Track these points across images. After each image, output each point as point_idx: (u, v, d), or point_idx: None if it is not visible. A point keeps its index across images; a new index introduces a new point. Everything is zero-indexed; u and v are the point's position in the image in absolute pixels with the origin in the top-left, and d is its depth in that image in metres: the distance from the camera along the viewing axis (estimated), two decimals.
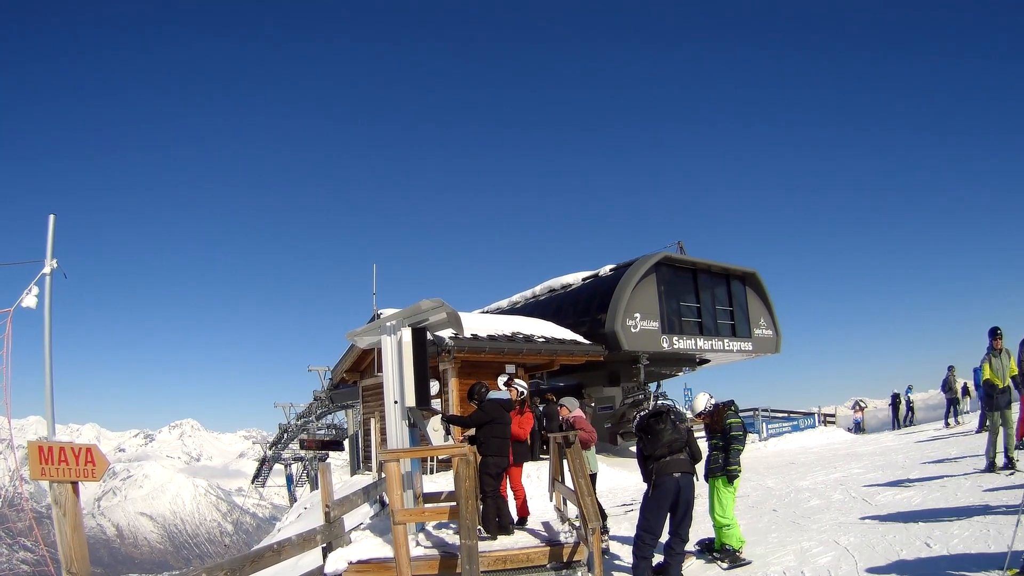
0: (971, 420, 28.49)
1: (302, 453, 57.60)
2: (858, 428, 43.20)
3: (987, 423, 25.15)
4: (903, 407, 41.63)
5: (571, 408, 14.94)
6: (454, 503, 10.32)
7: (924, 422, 38.62)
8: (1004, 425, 15.15)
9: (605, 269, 33.30)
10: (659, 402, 27.99)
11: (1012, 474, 14.48)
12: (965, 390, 30.83)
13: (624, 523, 14.38)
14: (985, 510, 11.51)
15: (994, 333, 15.57)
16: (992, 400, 15.24)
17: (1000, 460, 15.12)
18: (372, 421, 25.60)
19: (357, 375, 29.93)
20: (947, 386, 29.84)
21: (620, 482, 21.14)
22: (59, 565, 7.52)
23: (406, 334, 11.83)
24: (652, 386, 38.76)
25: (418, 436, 12.44)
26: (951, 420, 29.96)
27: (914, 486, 14.99)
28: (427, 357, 12.42)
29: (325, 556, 10.94)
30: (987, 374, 15.35)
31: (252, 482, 68.43)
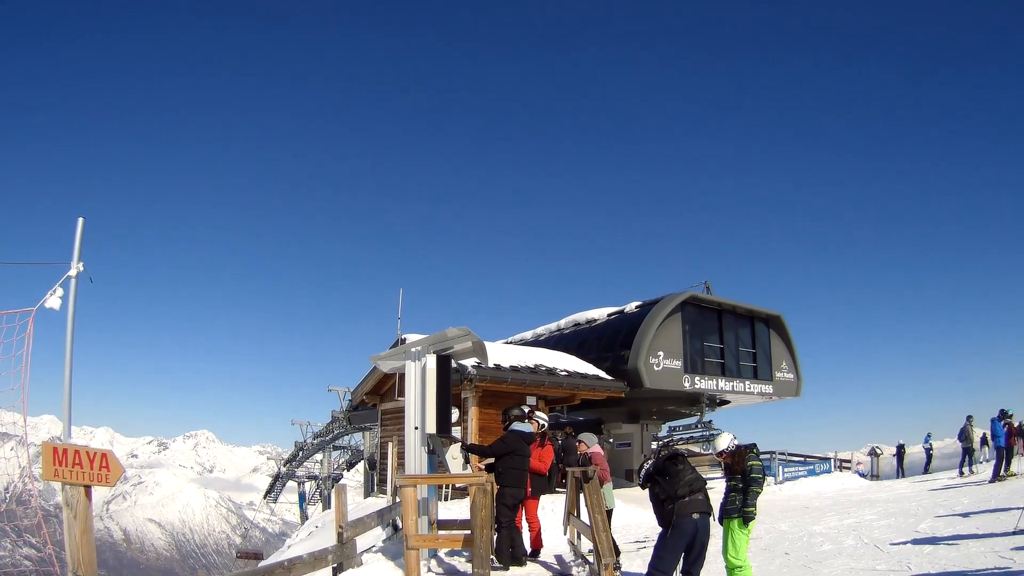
0: (985, 470, 28.32)
1: (316, 471, 57.59)
2: (870, 474, 43.22)
3: (1001, 472, 25.17)
4: (915, 455, 41.57)
5: (589, 444, 14.97)
6: (468, 531, 10.50)
7: (939, 470, 38.38)
8: None
9: (631, 306, 33.21)
10: (673, 446, 27.91)
11: None
12: (984, 440, 30.60)
13: (636, 560, 14.30)
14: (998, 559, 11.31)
15: None
16: None
17: None
18: (390, 445, 25.09)
19: (377, 398, 29.76)
20: (964, 435, 29.61)
21: (635, 519, 21.07)
22: (64, 565, 7.54)
23: (431, 361, 11.89)
24: (693, 418, 39.03)
25: (436, 463, 12.44)
26: (966, 469, 29.69)
27: (925, 533, 14.85)
28: (450, 385, 12.42)
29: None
30: None
31: (264, 497, 68.50)
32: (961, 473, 29.77)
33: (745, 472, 10.52)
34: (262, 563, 13.28)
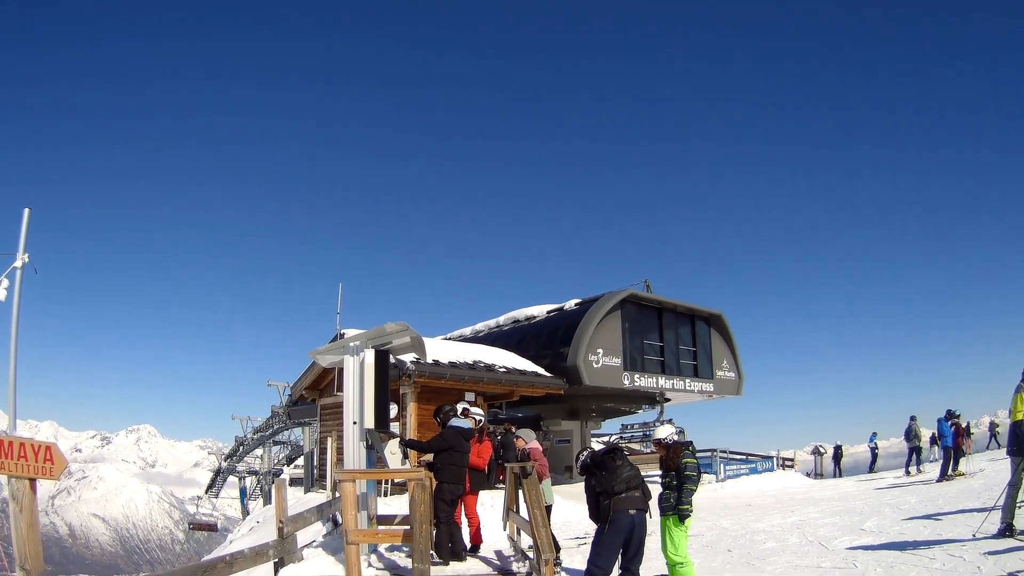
0: (932, 469, 28.60)
1: (257, 467, 57.69)
2: (813, 473, 43.73)
3: (948, 472, 25.31)
4: (860, 455, 42.05)
5: (527, 440, 15.02)
6: (408, 527, 10.38)
7: (885, 469, 38.72)
8: None
9: (570, 303, 33.37)
10: (611, 440, 27.97)
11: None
12: (933, 439, 30.83)
13: (577, 556, 14.28)
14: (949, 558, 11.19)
15: None
16: (1022, 444, 12.03)
17: (1020, 522, 12.02)
18: (329, 440, 25.17)
19: (316, 393, 29.75)
20: (910, 435, 29.85)
21: (575, 515, 21.06)
22: (12, 560, 7.57)
23: (369, 356, 11.83)
24: (639, 416, 39.19)
25: (375, 458, 12.37)
26: (912, 468, 29.95)
27: (871, 532, 14.79)
28: (388, 380, 12.42)
29: (276, 571, 10.99)
30: (1019, 409, 11.96)
31: (206, 492, 68.21)
32: (907, 472, 30.09)
33: (679, 469, 10.52)
34: (205, 559, 13.22)
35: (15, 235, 9.29)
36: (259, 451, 58.12)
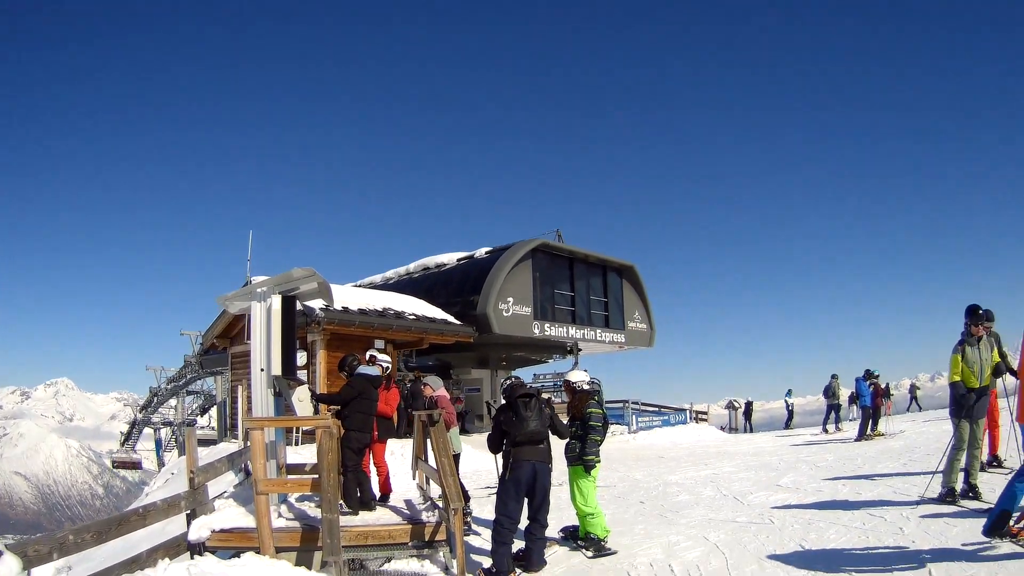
0: (852, 428, 28.78)
1: (171, 418, 57.41)
2: (728, 427, 44.34)
3: (867, 431, 25.64)
4: (775, 411, 42.80)
5: (435, 387, 14.95)
6: (317, 475, 10.35)
7: (801, 427, 39.15)
8: (971, 442, 11.50)
9: (481, 251, 33.44)
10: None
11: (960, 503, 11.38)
12: (852, 398, 31.15)
13: (488, 506, 14.24)
14: (867, 516, 11.21)
15: (974, 313, 11.38)
16: (962, 406, 11.42)
17: (960, 486, 11.56)
18: (240, 388, 25.23)
19: (227, 341, 29.64)
20: (830, 392, 30.39)
21: (485, 465, 21.00)
22: None
23: (276, 301, 11.74)
24: (566, 362, 39.29)
25: (283, 406, 12.30)
26: (831, 426, 30.44)
27: (787, 488, 14.85)
28: (295, 327, 12.38)
29: (189, 523, 10.77)
30: (956, 371, 11.43)
31: (122, 444, 67.41)
32: (825, 430, 30.62)
33: (584, 419, 10.61)
34: (119, 513, 12.85)
35: None
36: (173, 401, 57.85)
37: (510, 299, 29.57)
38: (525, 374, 40.93)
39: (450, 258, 34.92)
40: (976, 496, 11.44)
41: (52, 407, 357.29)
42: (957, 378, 11.46)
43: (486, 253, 32.77)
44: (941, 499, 11.55)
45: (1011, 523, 8.60)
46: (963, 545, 8.80)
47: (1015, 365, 11.17)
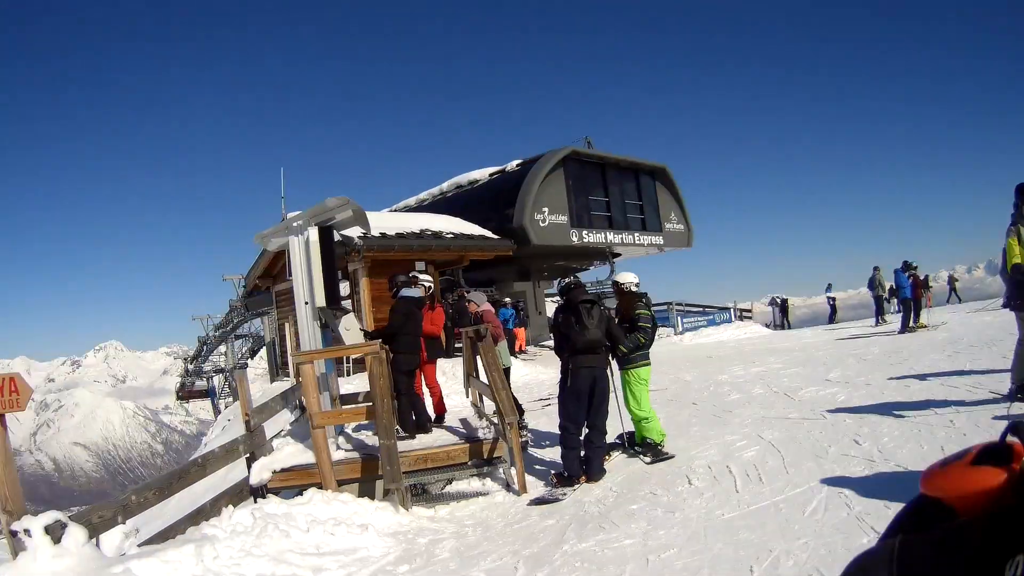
0: (895, 320, 28.29)
1: (222, 365, 57.59)
2: (773, 324, 44.09)
3: (910, 323, 25.36)
4: (819, 306, 42.52)
5: (479, 303, 14.87)
6: (371, 403, 10.43)
7: (845, 321, 38.85)
8: None
9: (512, 164, 33.02)
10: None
11: None
12: (892, 291, 30.66)
13: (543, 418, 14.31)
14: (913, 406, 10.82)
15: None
16: None
17: None
18: (287, 326, 25.50)
19: (270, 280, 29.84)
20: (874, 284, 29.95)
21: (536, 377, 20.97)
22: None
23: (313, 233, 11.71)
24: (606, 269, 39.08)
25: (331, 337, 12.32)
26: (883, 318, 30.26)
27: (836, 383, 14.48)
28: (335, 256, 12.30)
29: (249, 466, 10.83)
30: (1014, 254, 9.74)
31: (176, 399, 67.77)
32: (877, 322, 30.31)
33: (632, 320, 10.60)
34: (178, 467, 12.76)
35: None
36: (223, 348, 57.93)
37: (545, 209, 29.38)
38: None
39: (482, 174, 34.56)
40: None
41: (104, 371, 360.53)
42: (1017, 259, 9.72)
43: (517, 166, 32.35)
44: (1011, 397, 10.25)
45: None
46: None
47: None
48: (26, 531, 6.60)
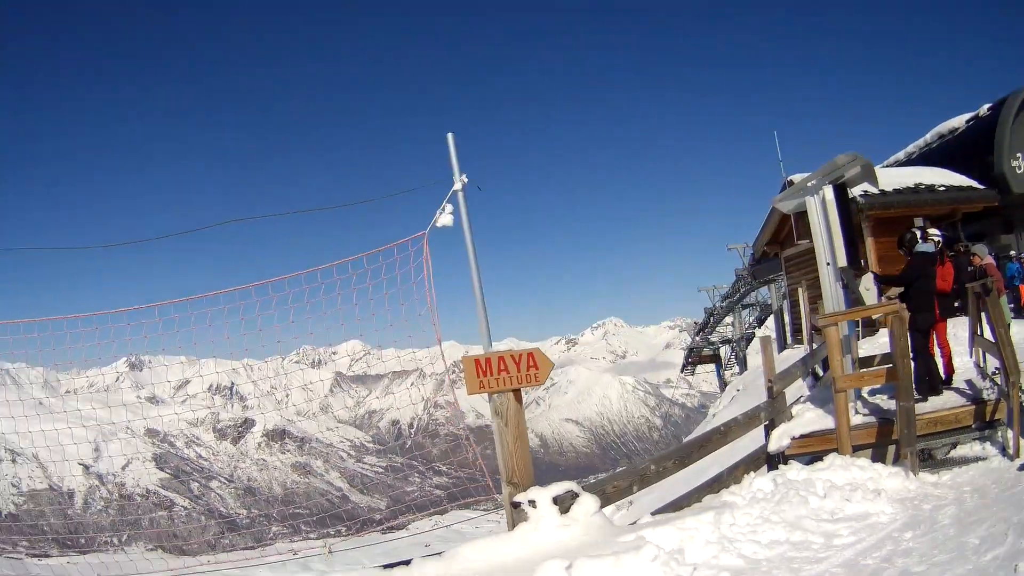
0: None
1: (728, 335, 57.91)
2: None
3: None
4: None
5: (982, 256, 14.72)
6: (890, 365, 10.56)
7: None
8: None
9: (983, 108, 31.20)
10: None
11: None
12: None
13: None
14: None
15: None
16: None
17: None
18: (799, 291, 25.13)
19: (777, 247, 29.74)
20: None
21: None
22: (497, 479, 7.88)
23: (828, 192, 12.01)
24: None
25: (851, 298, 12.36)
26: None
27: None
28: (851, 215, 12.46)
29: (767, 434, 11.26)
30: None
31: (681, 372, 68.22)
32: None
33: None
34: (693, 436, 13.26)
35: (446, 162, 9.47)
36: (728, 319, 58.20)
37: (1019, 155, 28.09)
38: None
39: (959, 121, 32.84)
40: None
41: (602, 348, 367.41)
42: None
43: (987, 110, 30.66)
44: None
45: None
46: None
47: None
48: (531, 502, 7.19)
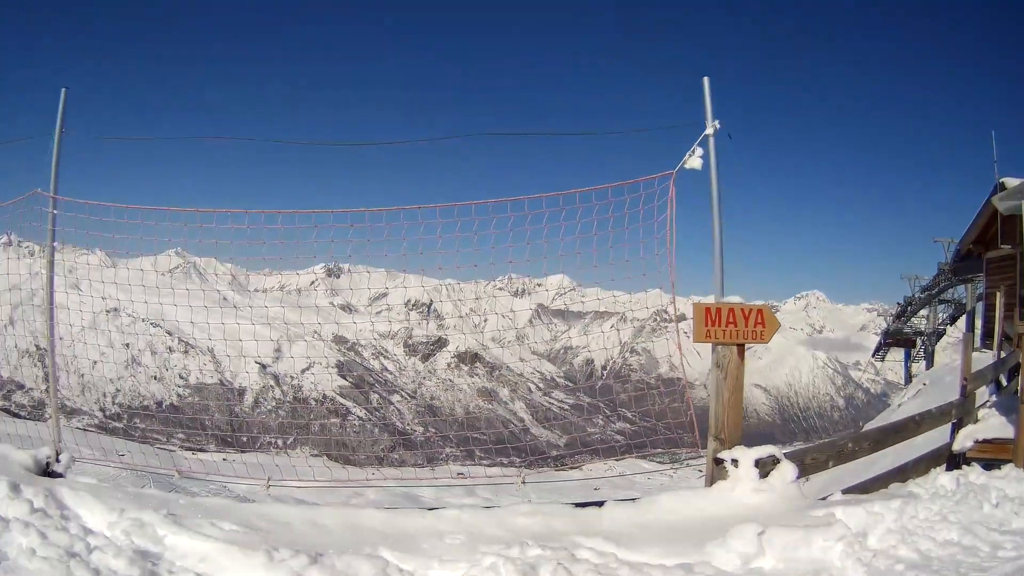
0: None
1: (921, 328, 56.26)
2: None
3: None
4: None
5: None
6: None
7: None
8: None
9: None
10: None
11: None
12: None
13: None
14: None
15: None
16: None
17: None
18: (997, 295, 24.09)
19: (982, 247, 28.25)
20: None
21: None
22: (703, 432, 7.95)
23: None
24: None
25: None
26: None
27: None
28: None
29: (954, 432, 10.93)
30: None
31: (872, 356, 67.51)
32: None
33: None
34: (887, 423, 13.30)
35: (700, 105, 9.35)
36: (924, 311, 56.87)
37: None
38: None
39: None
40: None
41: (802, 319, 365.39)
42: None
43: None
44: None
45: None
46: None
47: None
48: (733, 461, 7.20)
